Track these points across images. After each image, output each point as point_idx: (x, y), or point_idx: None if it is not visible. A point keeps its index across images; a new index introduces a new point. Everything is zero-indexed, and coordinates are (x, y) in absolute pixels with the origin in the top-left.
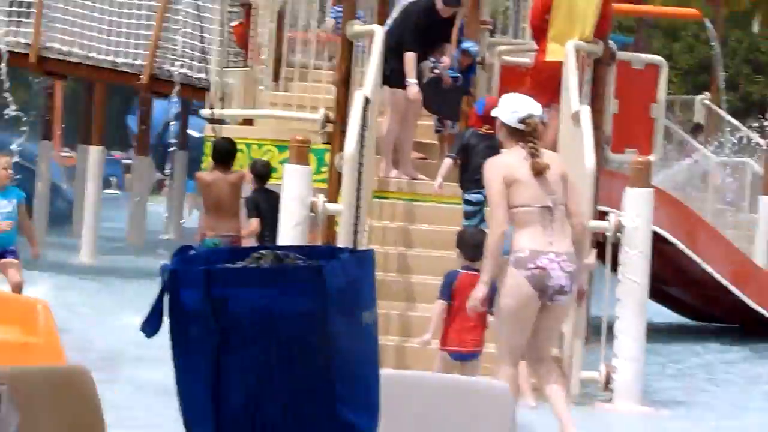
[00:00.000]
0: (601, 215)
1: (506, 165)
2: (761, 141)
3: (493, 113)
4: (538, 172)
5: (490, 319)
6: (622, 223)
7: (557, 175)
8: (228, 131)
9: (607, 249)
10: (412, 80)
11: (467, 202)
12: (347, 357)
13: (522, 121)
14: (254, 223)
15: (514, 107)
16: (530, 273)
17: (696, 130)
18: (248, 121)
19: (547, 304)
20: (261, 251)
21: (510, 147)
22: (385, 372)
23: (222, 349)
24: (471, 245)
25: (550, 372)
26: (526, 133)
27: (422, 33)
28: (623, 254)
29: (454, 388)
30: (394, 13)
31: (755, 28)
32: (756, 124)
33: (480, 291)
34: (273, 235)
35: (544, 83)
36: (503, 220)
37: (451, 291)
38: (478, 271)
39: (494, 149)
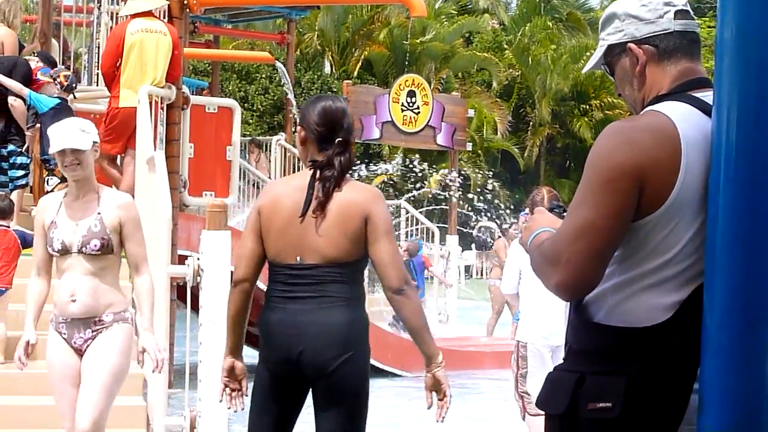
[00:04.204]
0: (182, 259)
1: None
2: None
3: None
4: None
5: None
6: (201, 267)
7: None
8: None
9: (188, 293)
10: None
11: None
12: None
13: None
14: None
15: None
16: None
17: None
18: None
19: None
20: None
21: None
22: None
23: None
24: None
25: None
26: None
27: None
28: (203, 297)
29: None
30: None
31: (327, 69)
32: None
33: None
34: None
35: (119, 129)
36: None
37: None
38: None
39: None
